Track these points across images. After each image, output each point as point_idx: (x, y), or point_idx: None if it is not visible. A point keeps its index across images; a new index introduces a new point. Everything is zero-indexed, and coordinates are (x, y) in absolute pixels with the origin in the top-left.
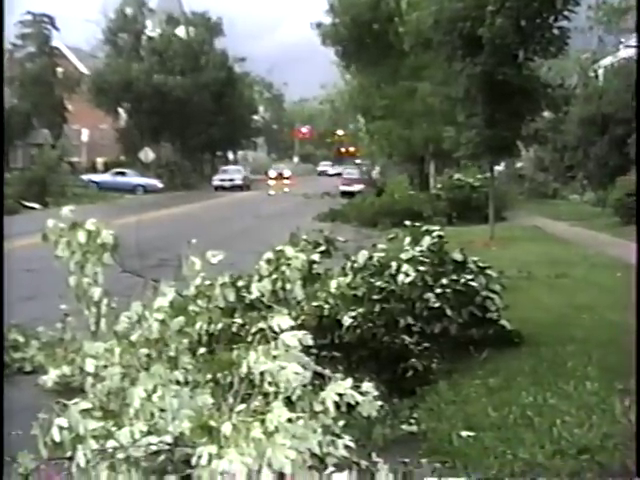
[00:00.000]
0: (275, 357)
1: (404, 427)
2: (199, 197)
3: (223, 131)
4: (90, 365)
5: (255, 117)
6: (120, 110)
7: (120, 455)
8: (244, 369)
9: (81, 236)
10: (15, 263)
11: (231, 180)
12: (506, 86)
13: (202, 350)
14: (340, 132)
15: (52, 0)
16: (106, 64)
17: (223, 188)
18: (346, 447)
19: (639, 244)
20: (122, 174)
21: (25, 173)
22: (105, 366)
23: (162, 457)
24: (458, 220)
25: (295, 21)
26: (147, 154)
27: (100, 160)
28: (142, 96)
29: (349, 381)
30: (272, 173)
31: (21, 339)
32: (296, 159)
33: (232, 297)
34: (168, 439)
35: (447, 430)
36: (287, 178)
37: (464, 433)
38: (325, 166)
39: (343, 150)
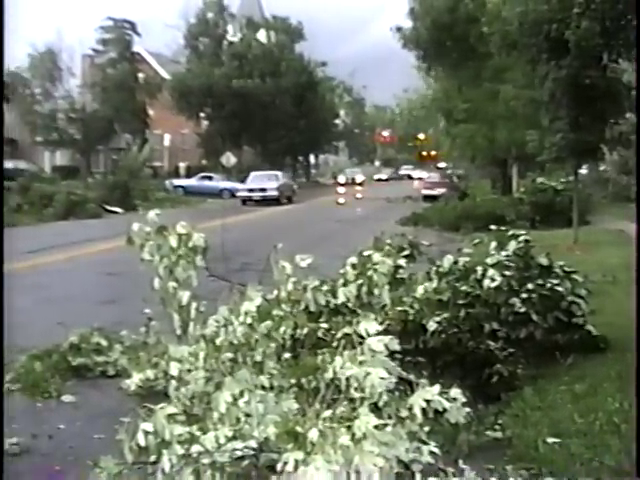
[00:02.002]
0: (361, 362)
1: (489, 433)
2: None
3: (304, 135)
4: (174, 369)
5: (336, 121)
6: (201, 115)
7: (205, 460)
8: (330, 374)
9: (172, 240)
10: (97, 267)
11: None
12: (591, 89)
13: (287, 355)
14: (421, 136)
15: (133, 6)
16: (187, 69)
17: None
18: (431, 453)
19: (638, 242)
20: (209, 178)
21: (107, 178)
22: (189, 370)
23: (247, 462)
24: (541, 224)
25: (376, 25)
26: (229, 158)
27: (182, 165)
28: (223, 100)
29: (437, 387)
30: (341, 179)
31: (104, 343)
32: (377, 163)
33: (322, 301)
34: (253, 444)
35: (533, 436)
36: (360, 184)
37: (550, 439)
38: (407, 170)
39: (425, 154)
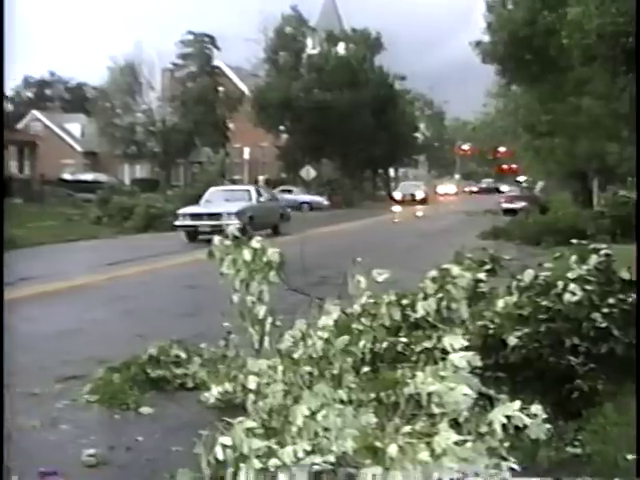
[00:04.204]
0: (443, 378)
1: (569, 449)
2: (360, 215)
3: (384, 148)
4: (252, 382)
5: (416, 134)
6: (281, 128)
7: (282, 474)
8: (410, 389)
9: (247, 254)
10: (176, 279)
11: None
12: None
13: (366, 369)
14: (502, 149)
15: (213, 20)
16: (267, 82)
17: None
18: (511, 470)
19: (638, 244)
20: (288, 191)
21: (187, 190)
22: (267, 384)
23: (325, 477)
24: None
25: (456, 38)
26: (308, 172)
27: (261, 178)
28: (302, 113)
29: (517, 403)
30: (397, 195)
31: (183, 355)
32: (457, 176)
33: (398, 316)
34: (331, 459)
35: (612, 453)
36: (420, 201)
37: (629, 456)
38: (487, 183)
39: (505, 167)
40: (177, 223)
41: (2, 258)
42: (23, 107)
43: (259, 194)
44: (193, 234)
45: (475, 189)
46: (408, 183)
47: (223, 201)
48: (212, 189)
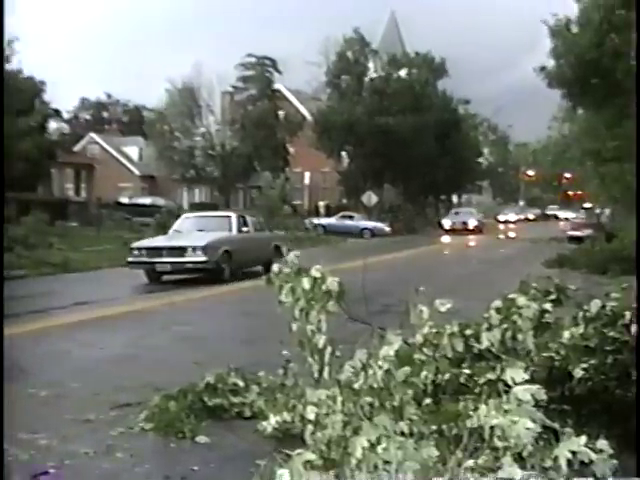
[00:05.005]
0: (506, 411)
1: None
2: (422, 241)
3: (447, 174)
4: (311, 413)
5: (480, 159)
6: (342, 152)
7: None
8: (473, 422)
9: (306, 282)
10: (235, 305)
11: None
12: None
13: (428, 401)
14: (567, 175)
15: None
16: (328, 106)
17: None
18: None
19: (638, 243)
20: (349, 217)
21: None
22: (326, 414)
23: None
24: None
25: (521, 62)
26: (370, 197)
27: (322, 203)
28: (364, 138)
29: (583, 438)
30: (446, 224)
31: (241, 383)
32: (522, 203)
33: (461, 347)
34: None
35: None
36: (472, 230)
37: None
38: (552, 210)
39: (571, 193)
40: (130, 259)
41: (2, 259)
42: (80, 129)
43: (242, 223)
44: (153, 274)
45: (531, 216)
46: (460, 210)
47: (195, 231)
48: (185, 216)
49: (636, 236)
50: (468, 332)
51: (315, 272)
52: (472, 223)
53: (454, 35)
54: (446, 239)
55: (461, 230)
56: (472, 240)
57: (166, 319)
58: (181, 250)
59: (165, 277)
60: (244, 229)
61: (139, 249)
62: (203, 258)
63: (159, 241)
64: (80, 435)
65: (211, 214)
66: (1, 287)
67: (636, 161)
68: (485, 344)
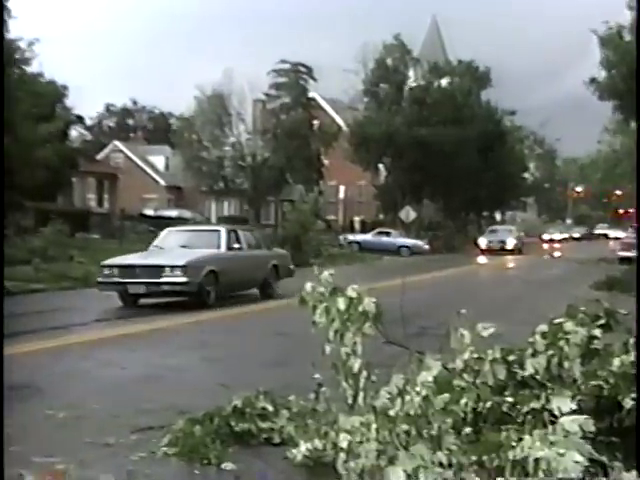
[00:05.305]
0: (552, 443)
1: None
2: (463, 260)
3: (490, 189)
4: (344, 441)
5: (525, 175)
6: (379, 165)
7: None
8: (516, 453)
9: (341, 303)
10: (264, 325)
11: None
12: None
13: (467, 430)
14: (618, 192)
15: (307, 48)
16: (365, 116)
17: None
18: None
19: (639, 243)
20: (386, 234)
21: (277, 230)
22: (360, 442)
23: None
24: None
25: (569, 73)
26: (408, 213)
27: (357, 219)
28: (403, 150)
29: (634, 473)
30: (482, 243)
31: (270, 408)
32: (569, 221)
33: (503, 374)
34: None
35: None
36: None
37: None
38: (601, 229)
39: (621, 211)
40: (99, 279)
41: (2, 259)
42: (104, 137)
43: (234, 239)
44: (127, 296)
45: (577, 235)
46: (498, 227)
47: (177, 248)
48: (168, 229)
49: (636, 236)
50: (511, 358)
51: (351, 292)
52: (511, 242)
53: (500, 43)
54: (482, 260)
55: (498, 250)
56: (511, 261)
57: (191, 338)
58: (158, 269)
59: (142, 301)
60: (235, 246)
61: (110, 267)
62: (183, 279)
63: (133, 258)
64: (99, 460)
65: (198, 228)
66: (1, 288)
67: (636, 161)
68: (529, 371)
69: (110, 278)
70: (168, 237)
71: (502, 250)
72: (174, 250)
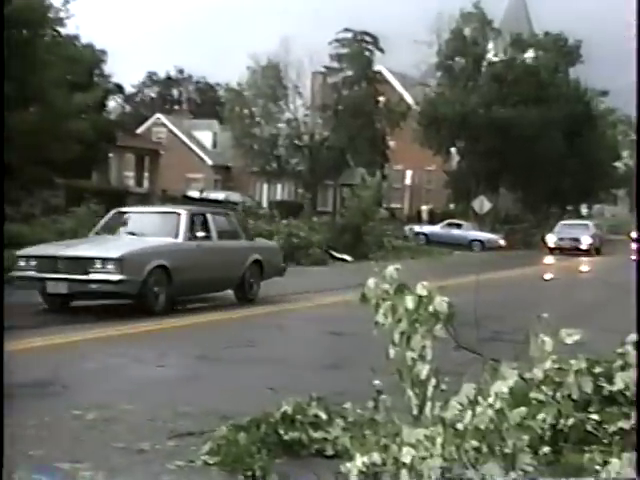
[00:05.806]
0: None
1: None
2: (542, 258)
3: (576, 179)
4: (407, 455)
5: (617, 163)
6: (452, 149)
7: None
8: (601, 478)
9: (410, 301)
10: (318, 323)
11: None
12: None
13: (546, 449)
14: None
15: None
16: (438, 93)
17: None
18: None
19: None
20: (457, 226)
21: (336, 218)
22: (423, 458)
23: None
24: None
25: None
26: (482, 204)
27: (425, 208)
28: (479, 133)
29: None
30: (551, 240)
31: (323, 416)
32: None
33: (589, 387)
34: None
35: None
36: (586, 251)
37: None
38: None
39: None
40: (16, 274)
41: (2, 258)
42: (145, 109)
43: (200, 225)
44: (48, 297)
45: None
46: (571, 222)
47: (123, 234)
48: (116, 210)
49: (636, 236)
50: (598, 370)
51: (421, 289)
52: (585, 241)
53: (593, 14)
54: (549, 260)
55: (570, 249)
56: (587, 263)
57: (234, 334)
58: (84, 263)
59: (74, 302)
60: (200, 234)
61: (27, 258)
62: (117, 277)
63: (55, 248)
64: (131, 467)
65: (153, 209)
66: (1, 286)
67: (636, 161)
68: (619, 386)
69: (26, 272)
70: (114, 221)
71: (575, 250)
72: (117, 238)
